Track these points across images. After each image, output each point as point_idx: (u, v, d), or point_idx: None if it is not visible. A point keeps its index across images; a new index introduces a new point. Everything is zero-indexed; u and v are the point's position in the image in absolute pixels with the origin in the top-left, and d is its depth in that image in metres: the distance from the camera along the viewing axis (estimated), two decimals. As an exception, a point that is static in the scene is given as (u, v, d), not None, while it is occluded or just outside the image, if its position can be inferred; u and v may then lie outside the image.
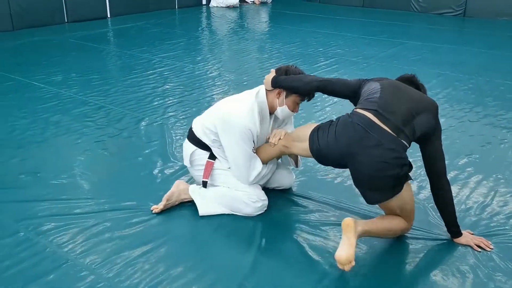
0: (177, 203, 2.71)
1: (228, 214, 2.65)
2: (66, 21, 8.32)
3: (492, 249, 2.39)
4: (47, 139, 3.60)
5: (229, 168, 2.66)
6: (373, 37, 7.61)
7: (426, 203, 2.78)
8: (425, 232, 2.54)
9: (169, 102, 4.46)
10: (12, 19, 7.57)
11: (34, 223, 2.54)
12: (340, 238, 2.42)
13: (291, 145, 2.52)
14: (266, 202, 2.67)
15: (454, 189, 2.97)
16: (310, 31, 8.08)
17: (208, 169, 2.68)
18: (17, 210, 2.66)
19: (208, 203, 2.65)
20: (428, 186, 2.48)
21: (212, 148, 2.67)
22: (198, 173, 2.75)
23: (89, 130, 3.77)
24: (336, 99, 4.41)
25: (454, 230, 2.45)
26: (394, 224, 2.36)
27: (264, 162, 2.64)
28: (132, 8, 9.33)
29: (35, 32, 7.46)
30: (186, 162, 2.79)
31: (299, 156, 2.80)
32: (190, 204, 2.72)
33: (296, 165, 2.86)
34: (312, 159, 2.51)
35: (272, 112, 2.69)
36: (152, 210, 2.65)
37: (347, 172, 2.85)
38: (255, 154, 2.61)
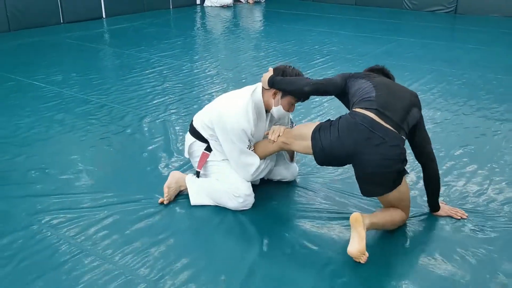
0: (178, 191, 2.80)
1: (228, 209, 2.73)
2: (62, 21, 8.36)
3: (467, 216, 2.64)
4: (53, 137, 3.66)
5: (223, 160, 2.74)
6: (367, 35, 7.72)
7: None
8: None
9: (170, 99, 4.54)
10: (8, 20, 7.60)
11: (46, 217, 2.62)
12: (344, 228, 2.54)
13: (292, 142, 2.58)
14: (251, 199, 2.70)
15: (450, 178, 3.09)
16: (304, 29, 8.18)
17: (203, 160, 2.78)
18: (29, 204, 2.73)
19: (200, 194, 2.74)
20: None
21: (209, 141, 2.76)
22: (195, 164, 2.86)
23: (93, 128, 3.84)
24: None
25: (436, 205, 2.65)
26: (395, 215, 2.47)
27: (263, 158, 2.71)
28: (127, 8, 9.39)
29: (31, 33, 7.50)
30: (186, 154, 2.90)
31: (295, 151, 2.88)
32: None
33: (292, 159, 2.95)
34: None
35: (268, 110, 2.74)
36: (159, 203, 2.74)
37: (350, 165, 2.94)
38: (251, 151, 2.66)
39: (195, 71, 5.59)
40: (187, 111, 4.25)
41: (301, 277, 2.19)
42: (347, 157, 2.38)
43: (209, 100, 4.38)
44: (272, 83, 2.63)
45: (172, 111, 4.24)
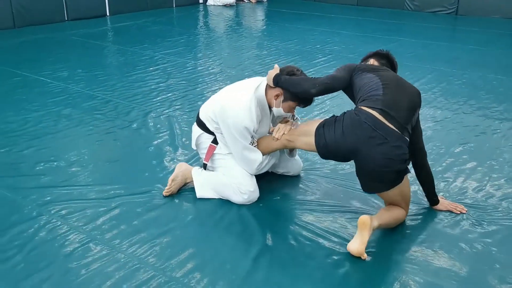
0: (183, 183, 2.85)
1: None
2: (66, 19, 8.42)
3: (466, 211, 2.70)
4: (60, 131, 3.73)
5: (229, 153, 2.78)
6: (368, 35, 7.79)
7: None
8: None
9: (174, 96, 4.61)
10: (13, 17, 7.67)
11: (55, 207, 2.68)
12: (346, 221, 2.62)
13: (296, 139, 2.61)
14: (255, 194, 2.76)
15: (450, 174, 3.16)
16: (306, 28, 8.25)
17: (210, 153, 2.82)
18: (38, 195, 2.80)
19: (205, 187, 2.79)
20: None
21: (215, 134, 2.81)
22: (202, 155, 2.91)
23: (99, 122, 3.91)
24: (335, 92, 4.57)
25: (434, 199, 2.72)
26: (398, 213, 2.53)
27: (266, 154, 2.76)
28: (130, 6, 9.45)
29: (36, 30, 7.57)
30: (193, 145, 2.94)
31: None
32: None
33: (291, 154, 2.99)
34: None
35: (271, 107, 2.78)
36: (163, 194, 2.80)
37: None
38: (253, 147, 2.70)
39: (199, 68, 5.66)
40: (191, 107, 4.31)
41: (303, 268, 2.26)
42: (350, 154, 2.42)
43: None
44: (277, 81, 2.63)
45: (176, 107, 4.31)
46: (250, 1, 11.53)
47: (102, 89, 4.77)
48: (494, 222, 2.63)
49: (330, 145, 2.44)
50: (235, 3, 11.03)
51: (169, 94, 4.65)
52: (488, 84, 5.18)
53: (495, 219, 2.66)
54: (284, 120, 2.90)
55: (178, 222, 2.58)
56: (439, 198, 2.75)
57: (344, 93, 2.81)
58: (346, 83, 2.64)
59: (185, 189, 2.89)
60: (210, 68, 5.67)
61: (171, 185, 2.80)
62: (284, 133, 2.65)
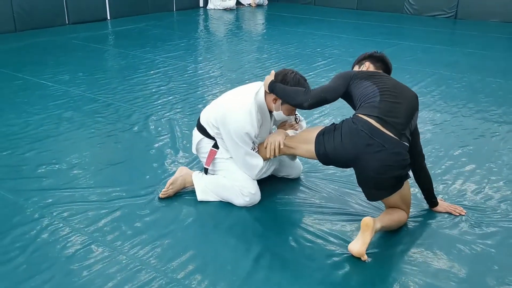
0: (181, 187, 2.87)
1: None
2: (67, 22, 8.47)
3: (465, 213, 2.73)
4: (62, 134, 3.75)
5: (230, 157, 2.80)
6: (368, 38, 7.82)
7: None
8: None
9: (175, 99, 4.63)
10: (14, 20, 7.71)
11: (57, 209, 2.70)
12: (346, 223, 2.64)
13: (296, 146, 2.63)
14: (257, 197, 2.78)
15: (449, 177, 3.18)
16: (306, 32, 8.29)
17: (211, 157, 2.84)
18: (40, 197, 2.82)
19: (206, 190, 2.81)
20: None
21: (216, 139, 2.83)
22: (203, 160, 2.93)
23: (100, 125, 3.93)
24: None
25: (433, 200, 2.74)
26: (399, 216, 2.54)
27: (266, 160, 2.77)
28: (131, 10, 9.50)
29: (37, 34, 7.60)
30: (193, 150, 2.96)
31: None
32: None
33: (294, 158, 2.98)
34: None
35: (271, 111, 2.80)
36: (159, 196, 2.82)
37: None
38: (255, 152, 2.72)
39: (199, 72, 5.69)
40: (192, 110, 4.34)
41: (304, 269, 2.27)
42: (349, 161, 2.45)
43: (214, 100, 4.48)
44: (271, 89, 2.65)
45: (177, 110, 4.34)
46: (251, 5, 11.58)
47: (103, 92, 4.79)
48: (492, 224, 2.65)
49: (329, 153, 2.46)
50: (236, 7, 11.08)
51: (170, 97, 4.68)
52: (487, 87, 5.21)
53: (493, 221, 2.68)
54: (288, 124, 2.92)
55: (179, 224, 2.60)
56: (438, 200, 2.77)
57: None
58: (340, 93, 2.62)
59: (185, 191, 2.90)
60: (210, 72, 5.70)
61: (168, 188, 2.82)
62: (277, 147, 2.66)
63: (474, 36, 8.24)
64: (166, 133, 3.80)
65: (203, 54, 6.78)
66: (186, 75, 5.48)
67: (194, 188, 2.86)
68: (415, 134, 2.57)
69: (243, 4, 11.60)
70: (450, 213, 2.73)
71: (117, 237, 2.47)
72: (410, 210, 2.67)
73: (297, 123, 2.96)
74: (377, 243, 2.48)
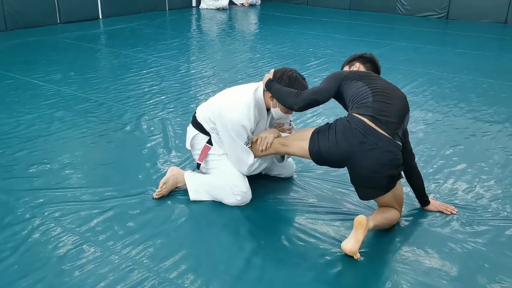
0: (174, 187, 2.87)
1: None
2: (58, 22, 8.41)
3: (456, 212, 2.75)
4: (53, 133, 3.73)
5: (223, 154, 2.81)
6: (360, 38, 7.85)
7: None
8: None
9: (167, 99, 4.62)
10: (5, 19, 7.65)
11: (49, 209, 2.69)
12: (339, 222, 2.65)
13: (290, 144, 2.63)
14: (248, 196, 2.78)
15: (441, 176, 3.20)
16: (299, 32, 8.30)
17: (204, 153, 2.85)
18: (31, 197, 2.80)
19: (199, 189, 2.81)
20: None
21: (211, 134, 2.83)
22: (195, 156, 2.94)
23: (92, 125, 3.91)
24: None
25: (425, 199, 2.76)
26: (392, 215, 2.56)
27: (258, 157, 2.77)
28: (123, 9, 9.46)
29: (28, 33, 7.55)
30: (188, 145, 2.96)
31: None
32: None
33: (282, 159, 2.96)
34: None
35: (269, 109, 2.82)
36: (153, 197, 2.81)
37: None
38: (248, 148, 2.73)
39: (192, 71, 5.68)
40: (185, 109, 4.33)
41: (296, 268, 2.28)
42: (342, 160, 2.45)
43: (206, 100, 4.47)
44: (268, 87, 2.68)
45: (170, 109, 4.33)
46: (243, 5, 11.58)
47: (95, 91, 4.77)
48: (483, 222, 2.67)
49: (323, 151, 2.46)
50: (228, 6, 11.07)
51: (162, 97, 4.67)
52: (479, 87, 5.25)
53: (484, 219, 2.70)
54: (283, 128, 2.92)
55: (172, 224, 2.60)
56: (430, 199, 2.79)
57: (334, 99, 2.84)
58: (332, 94, 2.63)
59: (178, 191, 2.90)
60: (203, 71, 5.69)
61: (162, 188, 2.82)
62: (269, 143, 2.67)
63: (466, 36, 8.30)
64: (158, 132, 3.79)
65: (195, 53, 6.77)
66: (178, 75, 5.47)
67: (186, 187, 2.85)
68: (404, 133, 2.59)
69: (236, 4, 11.59)
70: (441, 212, 2.75)
71: (109, 237, 2.46)
72: (402, 208, 2.68)
73: (292, 128, 2.96)
74: (369, 242, 2.49)
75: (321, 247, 2.44)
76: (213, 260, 2.31)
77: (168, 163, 3.27)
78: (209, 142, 2.85)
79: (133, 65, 5.81)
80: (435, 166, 3.34)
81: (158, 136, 3.73)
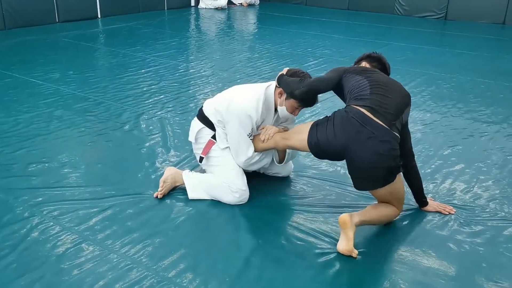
0: (173, 186, 2.88)
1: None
2: (57, 21, 8.40)
3: (454, 212, 2.75)
4: (52, 132, 3.73)
5: (226, 148, 2.82)
6: (359, 39, 7.86)
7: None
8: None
9: (166, 98, 4.62)
10: (4, 18, 7.64)
11: (47, 208, 2.69)
12: (337, 221, 2.63)
13: (290, 137, 2.65)
14: (246, 194, 2.79)
15: (439, 176, 3.21)
16: (298, 32, 8.30)
17: (208, 147, 2.87)
18: (30, 196, 2.80)
19: (197, 188, 2.82)
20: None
21: (216, 128, 2.85)
22: (199, 150, 2.94)
23: (91, 124, 3.91)
24: (326, 95, 4.61)
25: (423, 200, 2.76)
26: (387, 211, 2.56)
27: (258, 151, 2.80)
28: (122, 8, 9.45)
29: (27, 32, 7.54)
30: (191, 138, 2.97)
31: (286, 153, 2.93)
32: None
33: (281, 161, 2.98)
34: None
35: (276, 109, 2.83)
36: (155, 197, 2.81)
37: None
38: (250, 140, 2.76)
39: (191, 71, 5.69)
40: (183, 109, 4.33)
41: (295, 268, 2.29)
42: (340, 151, 2.44)
43: (205, 99, 4.47)
44: (278, 80, 2.76)
45: (168, 109, 4.33)
46: (242, 5, 11.58)
47: (93, 90, 4.77)
48: (481, 222, 2.68)
49: (321, 143, 2.48)
50: (227, 6, 11.07)
51: (161, 96, 4.67)
52: (476, 87, 5.26)
53: (482, 219, 2.71)
54: (285, 130, 2.92)
55: (170, 223, 2.60)
56: (428, 200, 2.80)
57: (335, 95, 2.85)
58: (333, 84, 2.68)
59: (177, 190, 2.90)
60: (202, 71, 5.69)
61: (163, 187, 2.82)
62: (271, 135, 2.71)
63: (464, 37, 8.32)
64: (157, 131, 3.80)
65: (194, 53, 6.77)
66: (177, 74, 5.47)
67: (184, 186, 2.86)
68: (406, 132, 2.59)
69: (234, 4, 11.59)
70: (439, 212, 2.75)
71: (108, 236, 2.46)
72: (402, 206, 2.68)
73: None
74: (367, 242, 2.50)
75: (319, 246, 2.44)
76: (211, 259, 2.32)
77: (167, 162, 3.28)
78: (214, 137, 2.86)
79: (132, 64, 5.80)
80: (433, 166, 3.35)
81: (156, 135, 3.73)
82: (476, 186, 3.08)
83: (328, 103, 4.55)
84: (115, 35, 7.67)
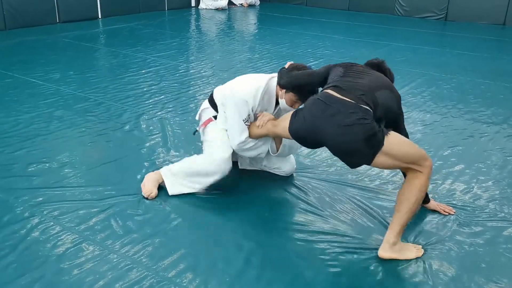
0: (157, 185, 2.87)
1: (226, 199, 2.83)
2: (58, 21, 8.41)
3: (454, 212, 2.76)
4: (52, 132, 3.73)
5: (223, 129, 2.88)
6: (359, 39, 7.86)
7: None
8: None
9: (166, 98, 4.63)
10: (5, 19, 7.65)
11: (48, 208, 2.69)
12: (338, 221, 2.65)
13: (278, 124, 2.67)
14: (229, 164, 2.81)
15: (439, 177, 3.21)
16: (298, 33, 8.31)
17: (206, 123, 2.97)
18: (31, 196, 2.80)
19: (175, 183, 2.86)
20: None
21: (219, 110, 2.94)
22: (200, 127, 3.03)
23: (91, 124, 3.92)
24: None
25: (425, 198, 2.70)
26: (413, 192, 2.33)
27: (253, 137, 2.84)
28: (122, 9, 9.46)
29: (28, 32, 7.55)
30: (197, 116, 3.12)
31: (282, 145, 2.95)
32: (193, 193, 2.88)
33: (277, 150, 2.98)
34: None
35: (277, 99, 2.89)
36: (148, 198, 2.81)
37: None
38: (245, 125, 2.82)
39: (191, 71, 5.69)
40: (184, 109, 4.34)
41: (295, 268, 2.29)
42: (313, 134, 2.39)
43: (205, 99, 4.49)
44: (279, 72, 2.82)
45: (169, 109, 4.33)
46: (242, 5, 11.59)
47: (94, 91, 4.77)
48: (481, 223, 2.68)
49: (298, 129, 2.48)
50: (227, 7, 11.08)
51: (161, 97, 4.67)
52: (477, 88, 5.26)
53: (482, 220, 2.71)
54: None
55: (170, 223, 2.60)
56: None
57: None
58: (319, 78, 2.65)
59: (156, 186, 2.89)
60: (202, 71, 5.70)
61: (144, 190, 2.83)
62: (265, 121, 2.75)
63: (464, 37, 8.32)
64: (157, 132, 3.80)
65: (194, 53, 6.78)
66: (177, 75, 5.48)
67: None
68: (400, 120, 2.54)
69: (235, 4, 11.60)
70: (439, 212, 2.76)
71: (108, 236, 2.47)
72: (427, 161, 2.35)
73: None
74: (365, 242, 2.50)
75: (320, 246, 2.45)
76: (211, 259, 2.32)
77: (167, 162, 3.28)
78: (215, 117, 2.95)
79: (132, 65, 5.81)
80: (433, 167, 3.34)
81: (157, 135, 3.74)
82: (476, 187, 3.08)
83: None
84: (116, 36, 7.67)
